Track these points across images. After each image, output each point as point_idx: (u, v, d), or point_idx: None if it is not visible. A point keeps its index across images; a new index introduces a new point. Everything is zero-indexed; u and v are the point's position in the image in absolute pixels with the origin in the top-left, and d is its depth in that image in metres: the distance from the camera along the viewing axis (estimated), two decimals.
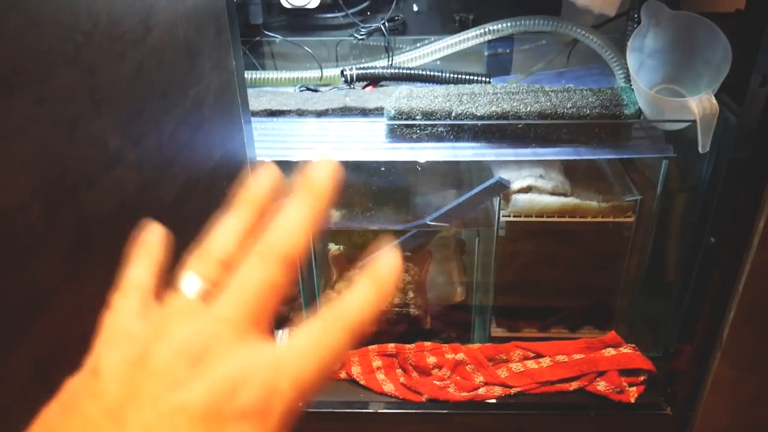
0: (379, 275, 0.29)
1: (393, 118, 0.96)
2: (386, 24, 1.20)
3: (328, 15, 1.21)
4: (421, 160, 0.95)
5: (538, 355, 1.05)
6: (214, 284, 0.29)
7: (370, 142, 0.97)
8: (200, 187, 0.66)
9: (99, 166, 0.48)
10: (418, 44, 1.18)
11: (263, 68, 1.25)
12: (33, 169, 0.41)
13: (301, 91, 1.17)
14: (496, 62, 1.26)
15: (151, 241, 0.33)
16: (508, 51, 1.26)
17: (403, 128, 0.96)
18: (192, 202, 0.64)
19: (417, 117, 0.95)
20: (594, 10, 0.99)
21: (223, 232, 0.31)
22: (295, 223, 0.29)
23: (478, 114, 0.94)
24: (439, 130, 0.94)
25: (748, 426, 0.96)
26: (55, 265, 0.43)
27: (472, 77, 1.15)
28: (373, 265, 0.29)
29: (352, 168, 1.12)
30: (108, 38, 0.48)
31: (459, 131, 0.95)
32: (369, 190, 1.08)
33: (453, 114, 0.95)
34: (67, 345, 0.45)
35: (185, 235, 0.64)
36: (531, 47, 1.24)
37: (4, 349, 0.39)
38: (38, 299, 0.42)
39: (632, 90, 0.97)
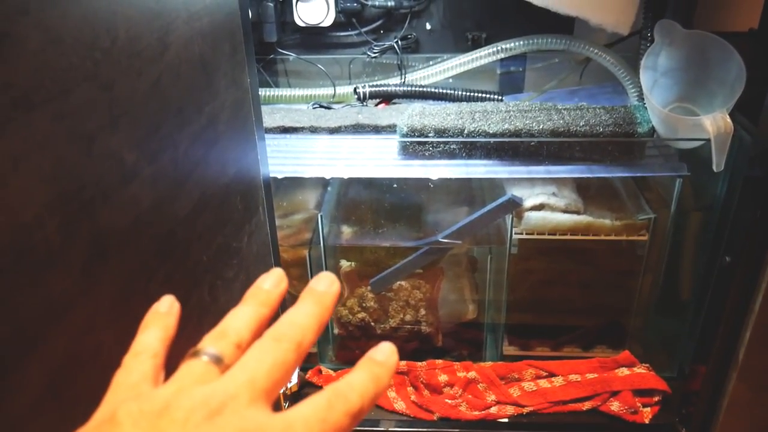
0: (378, 364, 0.31)
1: (405, 135, 0.96)
2: (399, 42, 1.21)
3: (342, 33, 1.22)
4: (434, 177, 0.95)
5: (551, 374, 1.04)
6: (229, 358, 0.30)
7: (383, 159, 0.97)
8: (214, 203, 0.66)
9: (115, 182, 0.48)
10: (431, 62, 1.19)
11: (277, 86, 1.26)
12: (50, 184, 0.41)
13: (314, 108, 1.18)
14: (509, 80, 1.26)
15: (164, 311, 0.35)
16: (520, 69, 1.26)
17: (416, 145, 0.96)
18: (206, 218, 0.64)
19: (429, 134, 0.96)
20: (607, 28, 0.99)
21: (237, 319, 0.32)
22: (306, 317, 0.31)
23: (491, 131, 0.94)
24: (451, 147, 0.95)
25: None
26: (70, 279, 0.44)
27: (484, 95, 1.15)
28: (373, 352, 0.31)
29: (364, 185, 1.12)
30: (126, 55, 0.49)
31: (471, 148, 0.95)
32: (381, 207, 1.09)
33: (465, 131, 0.95)
34: (80, 360, 0.45)
35: (199, 250, 0.65)
36: (544, 65, 1.24)
37: (19, 363, 0.40)
38: (53, 313, 0.42)
39: (645, 108, 0.97)
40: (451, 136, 0.95)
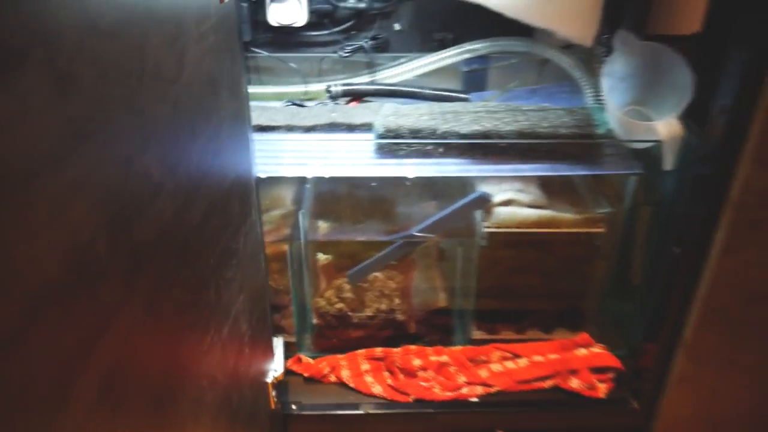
0: None
1: (382, 135, 1.01)
2: (369, 42, 1.25)
3: (313, 33, 1.26)
4: (410, 175, 1.01)
5: (516, 356, 1.12)
6: None
7: (361, 158, 1.02)
8: (218, 209, 0.70)
9: (146, 198, 0.52)
10: (400, 61, 1.24)
11: (248, 83, 1.29)
12: (101, 206, 0.45)
13: (287, 105, 1.21)
14: (473, 78, 1.32)
15: None
16: (484, 68, 1.32)
17: (392, 145, 1.02)
18: (213, 224, 0.68)
19: (404, 134, 1.01)
20: (573, 40, 1.06)
21: None
22: None
23: (462, 132, 1.00)
24: (426, 147, 1.00)
25: (708, 417, 1.05)
26: (116, 290, 0.48)
27: (451, 94, 1.22)
28: None
29: (339, 182, 1.17)
30: (152, 79, 0.53)
31: (445, 148, 1.01)
32: (356, 203, 1.14)
33: (438, 132, 1.01)
34: (124, 364, 0.50)
35: (207, 254, 0.69)
36: (505, 65, 1.31)
37: (79, 369, 0.44)
38: (103, 321, 0.46)
39: (602, 110, 1.05)
40: (425, 137, 1.01)
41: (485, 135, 1.00)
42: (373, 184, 1.11)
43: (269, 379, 0.94)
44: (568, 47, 1.21)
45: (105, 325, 0.47)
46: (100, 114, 0.45)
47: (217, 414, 0.73)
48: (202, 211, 0.65)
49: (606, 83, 0.98)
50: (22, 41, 0.36)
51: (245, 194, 0.80)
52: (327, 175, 1.01)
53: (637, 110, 1.02)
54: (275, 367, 0.97)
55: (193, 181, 0.63)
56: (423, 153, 1.02)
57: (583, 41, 1.06)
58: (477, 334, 1.18)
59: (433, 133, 1.01)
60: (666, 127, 0.90)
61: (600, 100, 1.10)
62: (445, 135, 1.00)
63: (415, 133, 1.01)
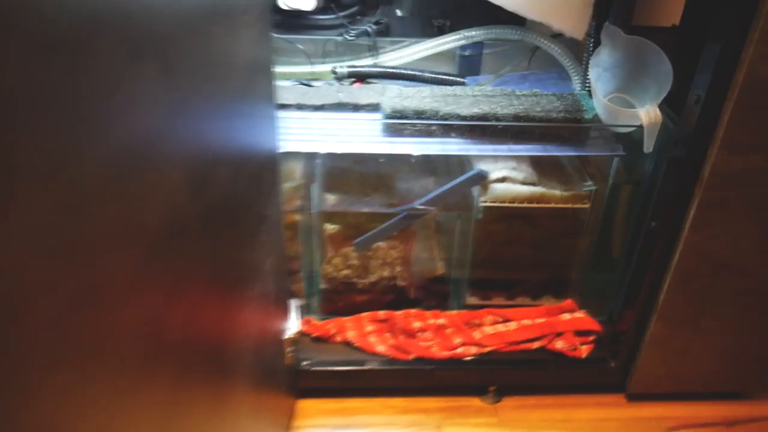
0: None
1: (389, 116, 1.10)
2: (372, 26, 1.33)
3: (320, 16, 1.33)
4: (415, 153, 1.10)
5: (507, 320, 1.23)
6: None
7: (369, 137, 1.11)
8: (256, 178, 0.79)
9: (210, 167, 0.61)
10: (401, 45, 1.32)
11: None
12: (184, 174, 0.54)
13: (295, 85, 1.29)
14: (467, 63, 1.41)
15: None
16: (478, 53, 1.41)
17: (397, 125, 1.11)
18: (252, 192, 0.77)
19: (409, 115, 1.10)
20: (566, 33, 1.16)
21: None
22: None
23: (462, 114, 1.09)
24: (431, 127, 1.10)
25: (677, 375, 1.17)
26: (194, 245, 0.57)
27: (448, 78, 1.30)
28: None
29: (347, 157, 1.25)
30: (215, 65, 0.61)
31: (447, 129, 1.10)
32: (363, 178, 1.23)
33: (440, 113, 1.10)
34: (197, 308, 0.59)
35: (247, 218, 0.78)
36: (498, 51, 1.40)
37: (170, 308, 0.52)
38: (188, 270, 0.55)
39: (589, 96, 1.15)
40: (429, 118, 1.10)
41: (483, 117, 1.09)
42: (381, 160, 1.20)
43: (286, 337, 1.04)
44: (557, 36, 1.30)
45: (189, 274, 0.56)
46: (184, 96, 0.53)
47: (249, 365, 0.82)
48: (246, 181, 0.74)
49: (593, 72, 1.07)
50: (142, 37, 0.44)
51: (273, 167, 0.89)
52: (338, 152, 1.09)
53: (621, 98, 1.12)
54: (290, 326, 1.07)
55: (240, 153, 0.71)
56: (426, 132, 1.11)
57: (575, 35, 1.15)
58: (471, 300, 1.28)
59: (435, 115, 1.10)
60: (647, 114, 1.00)
61: (587, 86, 1.20)
62: (446, 116, 1.09)
63: (419, 113, 1.10)
